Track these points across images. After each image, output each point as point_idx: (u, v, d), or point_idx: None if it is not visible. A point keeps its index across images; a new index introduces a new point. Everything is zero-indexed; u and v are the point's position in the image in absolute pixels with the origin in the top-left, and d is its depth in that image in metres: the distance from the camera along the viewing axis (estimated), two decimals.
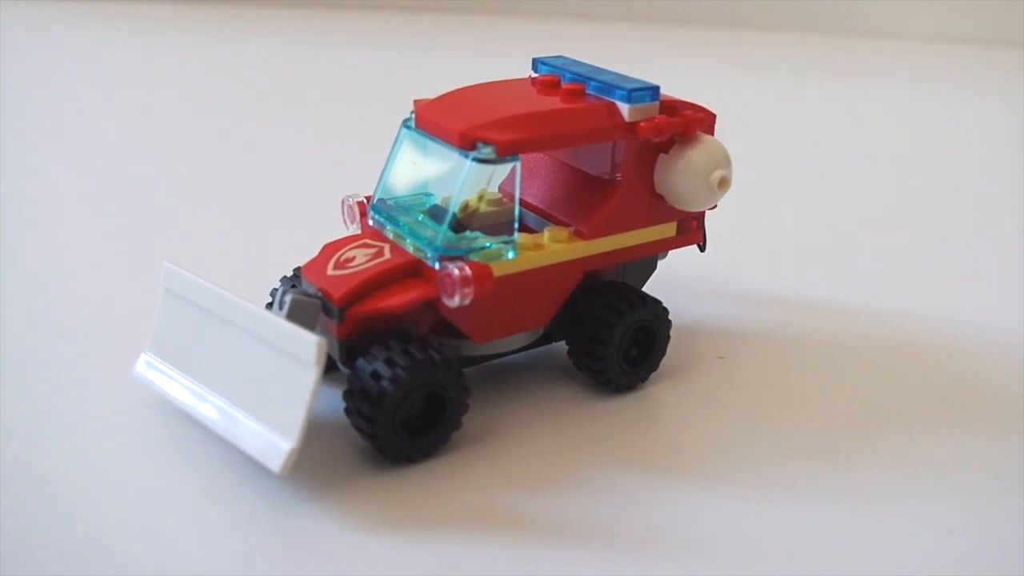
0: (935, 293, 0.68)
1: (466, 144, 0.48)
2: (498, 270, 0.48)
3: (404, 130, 0.53)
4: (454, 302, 0.47)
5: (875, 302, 0.66)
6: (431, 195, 0.52)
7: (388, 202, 0.53)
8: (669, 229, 0.55)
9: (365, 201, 0.54)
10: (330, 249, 0.51)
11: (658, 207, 0.54)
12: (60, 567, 0.40)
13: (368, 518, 0.44)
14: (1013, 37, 1.56)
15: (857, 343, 0.61)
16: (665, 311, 0.54)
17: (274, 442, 0.44)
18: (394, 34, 1.52)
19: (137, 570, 0.40)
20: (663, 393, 0.55)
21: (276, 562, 0.41)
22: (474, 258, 0.48)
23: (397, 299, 0.47)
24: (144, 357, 0.51)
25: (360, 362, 0.46)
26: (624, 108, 0.51)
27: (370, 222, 0.53)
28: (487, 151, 0.47)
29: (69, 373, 0.55)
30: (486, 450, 0.49)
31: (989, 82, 1.37)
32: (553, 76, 0.54)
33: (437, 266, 0.47)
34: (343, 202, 0.54)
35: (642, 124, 0.51)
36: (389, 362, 0.45)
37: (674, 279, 0.66)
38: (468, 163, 0.47)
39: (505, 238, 0.50)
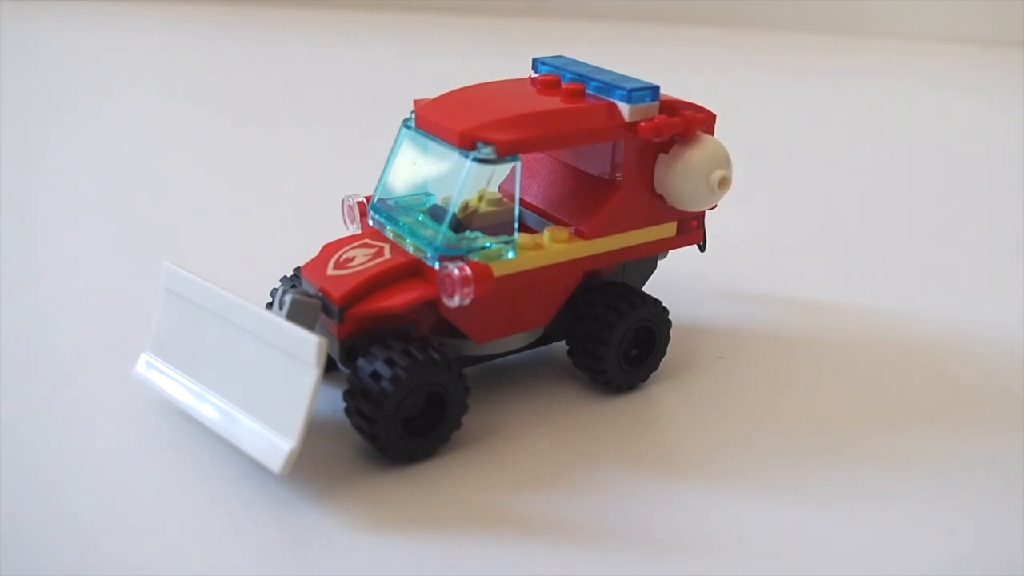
0: (935, 293, 0.68)
1: (466, 144, 0.48)
2: (498, 270, 0.48)
3: (404, 130, 0.53)
4: (454, 302, 0.47)
5: (875, 302, 0.66)
6: (431, 195, 0.52)
7: (388, 202, 0.53)
8: (669, 229, 0.55)
9: (365, 201, 0.54)
10: (330, 249, 0.51)
11: (658, 207, 0.54)
12: (60, 567, 0.40)
13: (368, 518, 0.44)
14: (1013, 37, 1.56)
15: (857, 343, 0.61)
16: (665, 311, 0.54)
17: (274, 442, 0.44)
18: (394, 34, 1.52)
19: (137, 570, 0.40)
20: (663, 393, 0.55)
21: (276, 562, 0.41)
22: (474, 258, 0.48)
23: (397, 299, 0.47)
24: (144, 357, 0.51)
25: (360, 362, 0.46)
26: (624, 108, 0.51)
27: (370, 222, 0.53)
28: (487, 151, 0.47)
29: (69, 373, 0.55)
30: (486, 450, 0.49)
31: (989, 82, 1.37)
32: (553, 76, 0.54)
33: (437, 266, 0.47)
34: (343, 202, 0.54)
35: (642, 124, 0.51)
36: (389, 362, 0.45)
37: (674, 279, 0.66)
38: (468, 163, 0.47)
39: (505, 238, 0.50)
